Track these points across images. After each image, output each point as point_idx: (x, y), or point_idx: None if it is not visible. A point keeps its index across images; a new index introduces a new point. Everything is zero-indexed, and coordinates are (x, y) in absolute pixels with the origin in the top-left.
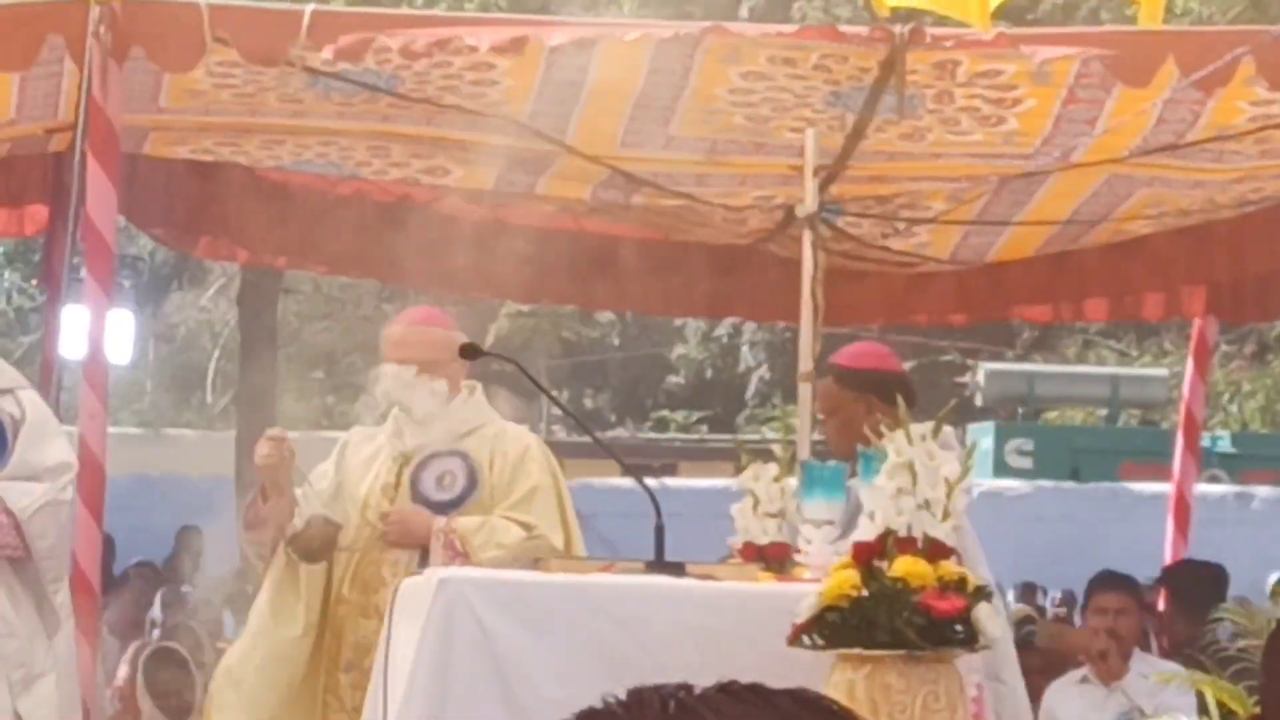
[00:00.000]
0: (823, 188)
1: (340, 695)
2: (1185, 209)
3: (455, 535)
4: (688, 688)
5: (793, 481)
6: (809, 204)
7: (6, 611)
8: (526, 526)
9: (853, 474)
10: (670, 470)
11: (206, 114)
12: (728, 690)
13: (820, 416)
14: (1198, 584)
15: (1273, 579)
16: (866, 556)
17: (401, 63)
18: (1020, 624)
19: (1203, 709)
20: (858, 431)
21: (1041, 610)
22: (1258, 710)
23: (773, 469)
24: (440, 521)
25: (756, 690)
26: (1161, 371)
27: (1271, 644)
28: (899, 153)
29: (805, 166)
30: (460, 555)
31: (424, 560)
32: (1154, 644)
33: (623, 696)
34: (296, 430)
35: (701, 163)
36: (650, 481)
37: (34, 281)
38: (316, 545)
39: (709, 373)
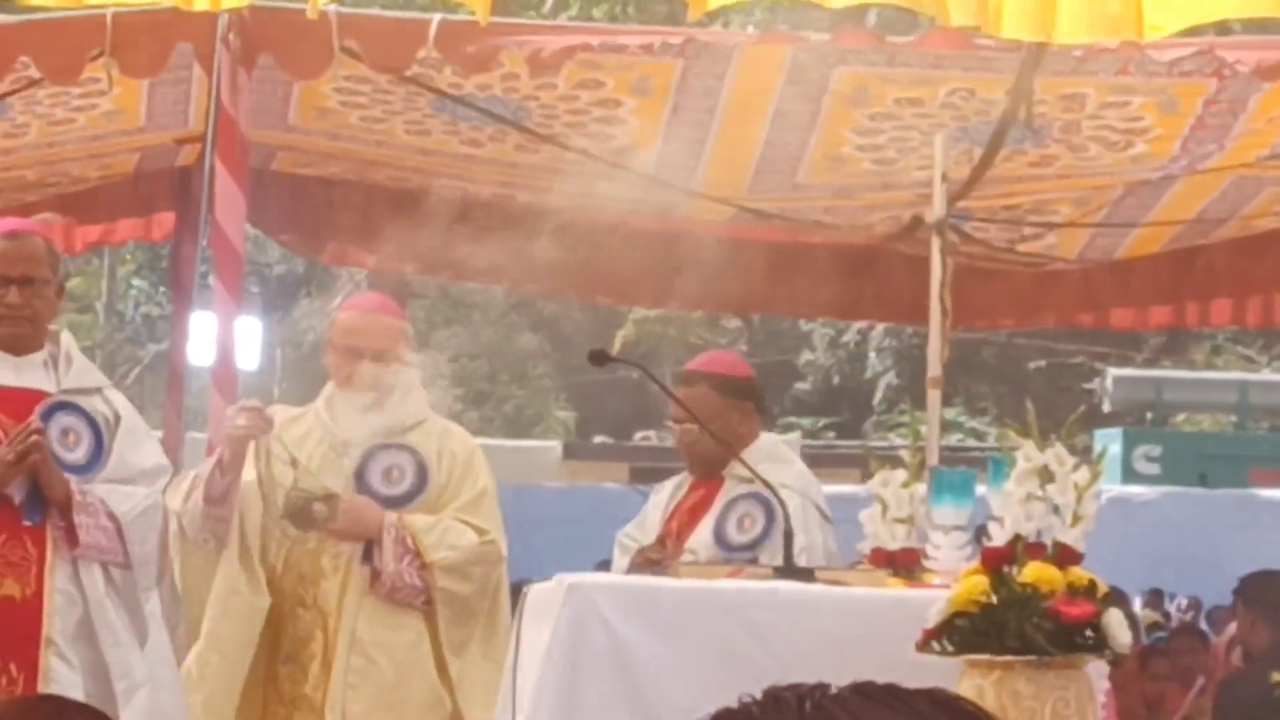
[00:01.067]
0: (951, 202)
1: (279, 687)
2: None
3: (407, 532)
4: (824, 688)
5: (921, 487)
6: (938, 210)
7: (112, 618)
8: (479, 531)
9: (714, 481)
10: None
11: (334, 139)
12: (863, 691)
13: (692, 424)
14: (1277, 593)
15: None
16: (996, 562)
17: (529, 92)
18: (1149, 629)
19: None
20: (733, 437)
21: (1168, 616)
22: None
23: (901, 475)
24: (392, 516)
25: (893, 691)
26: None
27: None
28: (1027, 176)
29: (934, 171)
30: (411, 553)
31: (368, 554)
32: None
33: (758, 696)
34: None
35: (828, 198)
36: None
37: (162, 289)
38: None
39: (836, 379)
